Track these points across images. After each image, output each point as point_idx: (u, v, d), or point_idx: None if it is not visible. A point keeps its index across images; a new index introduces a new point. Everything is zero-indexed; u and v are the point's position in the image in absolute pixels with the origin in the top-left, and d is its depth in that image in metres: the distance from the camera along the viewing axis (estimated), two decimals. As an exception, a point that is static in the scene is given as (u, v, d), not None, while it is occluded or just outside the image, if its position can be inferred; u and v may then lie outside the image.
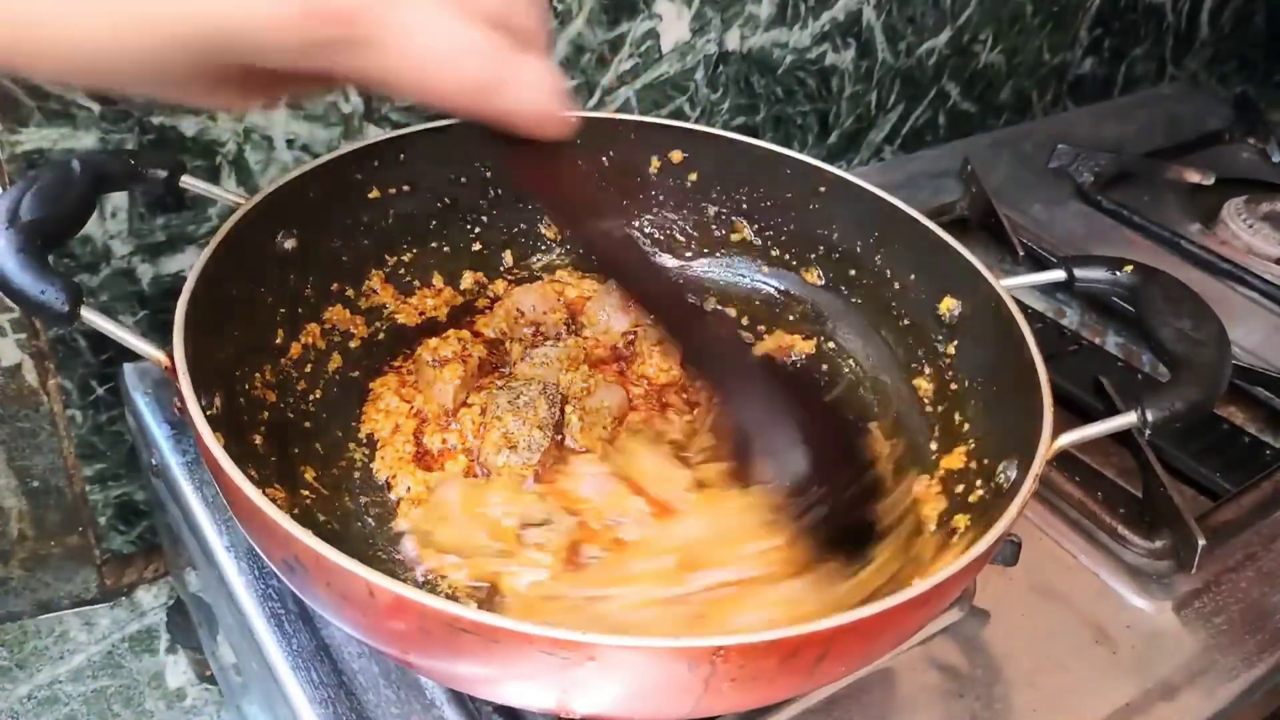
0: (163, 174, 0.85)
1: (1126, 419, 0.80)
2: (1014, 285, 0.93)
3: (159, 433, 0.98)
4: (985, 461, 0.87)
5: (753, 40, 1.36)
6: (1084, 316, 1.30)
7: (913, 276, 1.01)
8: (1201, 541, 0.92)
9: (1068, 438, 0.78)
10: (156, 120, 0.98)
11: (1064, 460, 1.03)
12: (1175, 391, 0.82)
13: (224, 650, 0.96)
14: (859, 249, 1.06)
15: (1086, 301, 1.31)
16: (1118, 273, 0.93)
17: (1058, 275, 0.95)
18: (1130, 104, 1.89)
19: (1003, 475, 0.83)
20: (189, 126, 1.00)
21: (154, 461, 0.98)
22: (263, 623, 0.82)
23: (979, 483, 0.86)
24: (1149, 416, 0.80)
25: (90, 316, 0.72)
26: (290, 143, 1.07)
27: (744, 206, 1.12)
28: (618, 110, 1.30)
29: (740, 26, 1.33)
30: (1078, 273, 0.94)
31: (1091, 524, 0.99)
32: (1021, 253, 1.26)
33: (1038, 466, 0.74)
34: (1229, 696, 0.86)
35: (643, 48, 1.27)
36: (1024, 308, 0.91)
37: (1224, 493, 1.06)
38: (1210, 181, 1.53)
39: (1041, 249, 1.35)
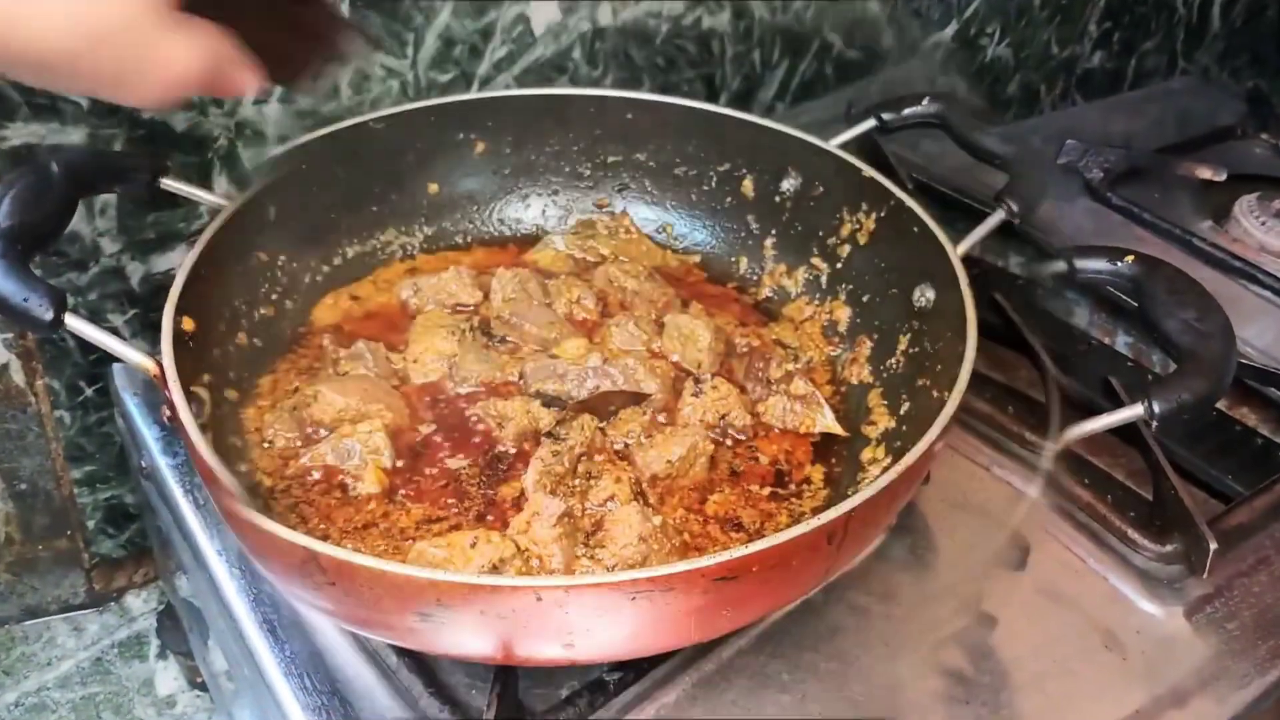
0: (145, 176, 0.83)
1: (1133, 411, 0.79)
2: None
3: (149, 434, 0.96)
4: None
5: (625, 13, 1.33)
6: (1093, 316, 1.28)
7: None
8: (1213, 545, 0.89)
9: (1075, 430, 0.77)
10: (146, 116, 0.97)
11: (1073, 463, 1.01)
12: (1182, 383, 0.81)
13: (215, 656, 0.95)
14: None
15: (1095, 301, 1.29)
16: (1119, 263, 0.91)
17: (1058, 266, 0.93)
18: (1140, 99, 1.85)
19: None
20: (179, 122, 0.99)
21: (143, 463, 0.97)
22: (255, 629, 0.80)
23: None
24: (1156, 408, 0.79)
25: (75, 324, 0.70)
26: (284, 139, 1.05)
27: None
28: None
29: (611, 1, 1.31)
30: (1078, 263, 0.92)
31: (1101, 527, 0.96)
32: (910, 186, 1.19)
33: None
34: (1241, 703, 0.84)
35: (514, 33, 1.25)
36: (1032, 307, 0.90)
37: (1236, 495, 1.03)
38: (1222, 178, 1.48)
39: (930, 180, 1.33)
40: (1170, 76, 2.00)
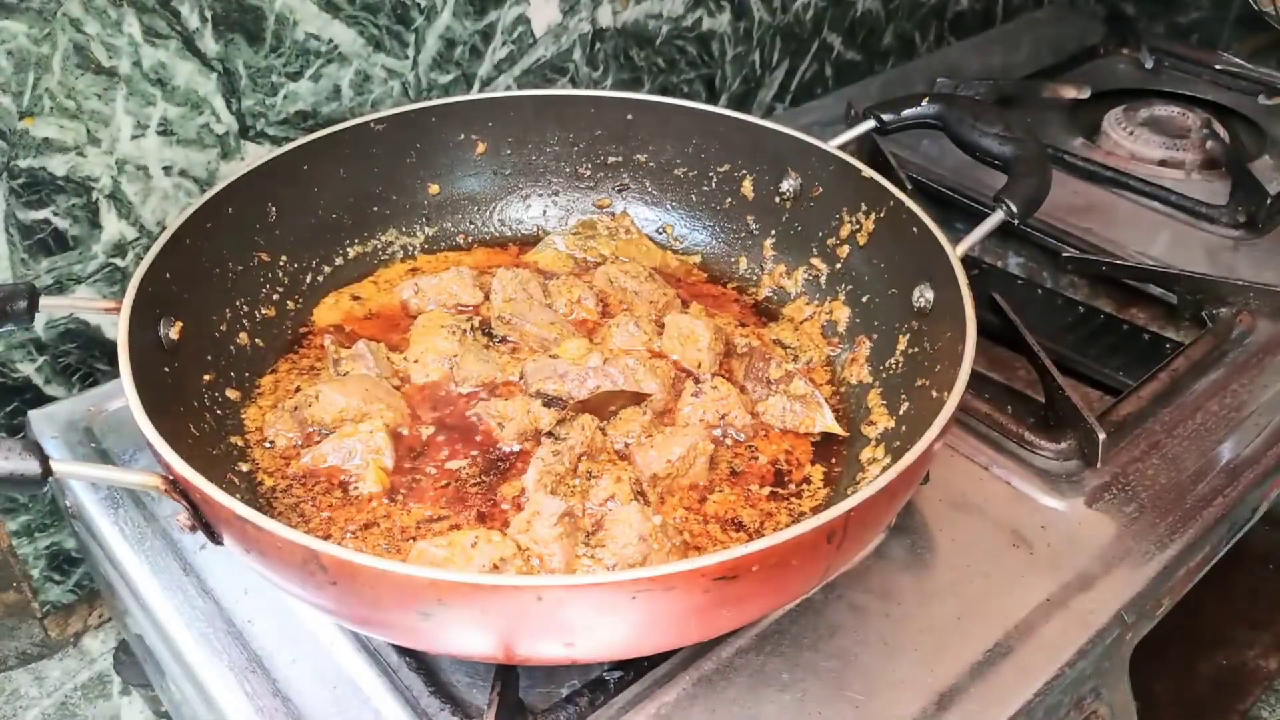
0: (23, 304, 0.81)
1: (998, 215, 0.91)
2: (841, 142, 1.03)
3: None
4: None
5: (626, 14, 1.33)
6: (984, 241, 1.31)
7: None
8: (1102, 435, 0.93)
9: (962, 246, 0.87)
10: (25, 163, 0.95)
11: (973, 380, 1.03)
12: (1022, 181, 0.93)
13: (172, 686, 0.95)
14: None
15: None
16: (921, 105, 1.03)
17: (868, 125, 1.05)
18: (1009, 32, 1.88)
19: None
20: (59, 165, 0.97)
21: (68, 503, 0.96)
22: (191, 642, 0.81)
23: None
24: (1014, 206, 0.91)
25: (66, 469, 0.68)
26: (167, 170, 1.05)
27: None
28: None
29: (611, 2, 1.31)
30: (886, 117, 1.04)
31: (1000, 435, 0.99)
32: (909, 186, 1.24)
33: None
34: (1145, 579, 0.87)
35: (515, 34, 1.25)
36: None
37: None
38: (1086, 95, 1.53)
39: (929, 180, 1.35)
40: (1038, 8, 1.99)
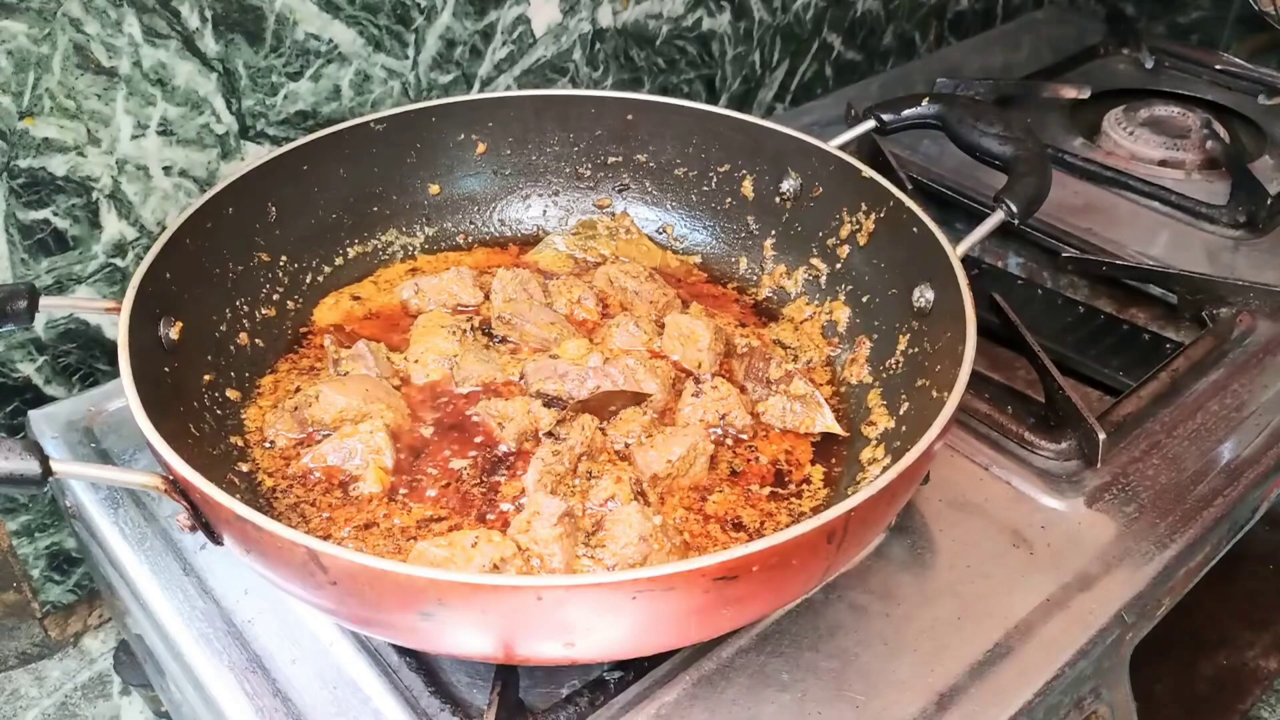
0: (23, 304, 0.81)
1: (998, 216, 0.91)
2: (841, 142, 1.03)
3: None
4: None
5: (626, 14, 1.34)
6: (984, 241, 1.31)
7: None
8: (1102, 435, 0.93)
9: (962, 247, 0.87)
10: (25, 163, 0.95)
11: (973, 380, 1.03)
12: (1022, 181, 0.94)
13: (172, 686, 0.95)
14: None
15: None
16: (921, 105, 1.03)
17: (868, 125, 1.05)
18: (1009, 32, 1.88)
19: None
20: (59, 165, 0.97)
21: (68, 504, 0.96)
22: (191, 642, 0.81)
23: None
24: (1014, 207, 0.91)
25: (66, 469, 0.68)
26: (167, 170, 1.05)
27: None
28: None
29: (611, 2, 1.31)
30: (886, 117, 1.04)
31: (1000, 435, 0.99)
32: (910, 187, 1.23)
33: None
34: (1146, 579, 0.87)
35: (515, 34, 1.25)
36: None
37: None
38: (1086, 95, 1.53)
39: (929, 180, 1.35)
40: (1038, 8, 1.99)
